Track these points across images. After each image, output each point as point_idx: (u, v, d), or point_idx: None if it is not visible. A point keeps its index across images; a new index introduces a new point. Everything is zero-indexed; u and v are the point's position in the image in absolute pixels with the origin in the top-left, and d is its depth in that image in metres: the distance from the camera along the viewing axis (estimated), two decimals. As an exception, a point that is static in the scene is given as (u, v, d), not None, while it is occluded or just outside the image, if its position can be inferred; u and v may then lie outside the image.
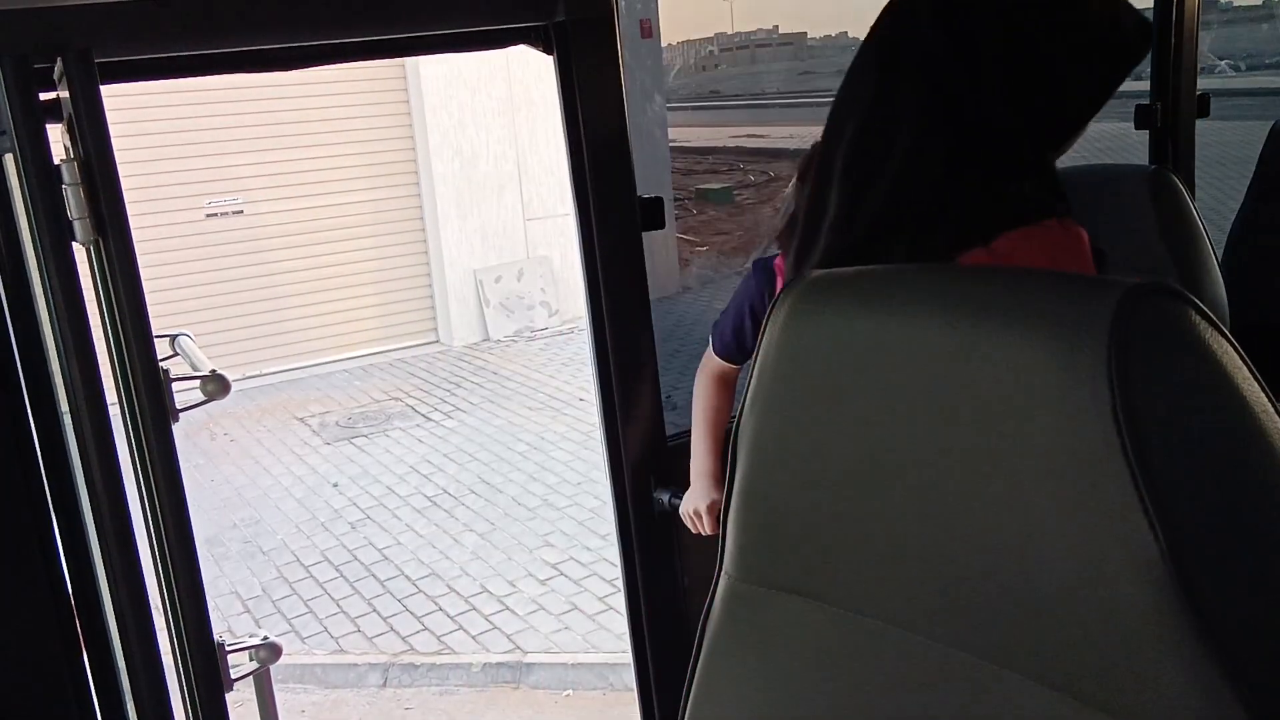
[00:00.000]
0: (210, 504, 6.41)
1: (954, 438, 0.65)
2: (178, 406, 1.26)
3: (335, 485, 6.60)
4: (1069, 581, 0.61)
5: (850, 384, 0.71)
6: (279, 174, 8.85)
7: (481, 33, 1.90)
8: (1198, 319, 0.59)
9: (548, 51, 1.88)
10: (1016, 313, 0.62)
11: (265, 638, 1.39)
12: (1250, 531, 0.59)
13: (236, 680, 1.34)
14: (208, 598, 1.31)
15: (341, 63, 1.88)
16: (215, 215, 8.82)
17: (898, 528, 0.70)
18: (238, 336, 8.80)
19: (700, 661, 0.87)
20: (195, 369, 1.38)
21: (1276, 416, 0.59)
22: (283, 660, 4.69)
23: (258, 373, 8.87)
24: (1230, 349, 0.59)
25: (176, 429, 1.29)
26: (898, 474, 0.69)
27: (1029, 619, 0.64)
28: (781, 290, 0.76)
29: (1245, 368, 0.59)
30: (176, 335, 1.54)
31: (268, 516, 6.21)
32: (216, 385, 1.33)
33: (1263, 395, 0.59)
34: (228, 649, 1.34)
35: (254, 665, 1.41)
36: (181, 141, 8.42)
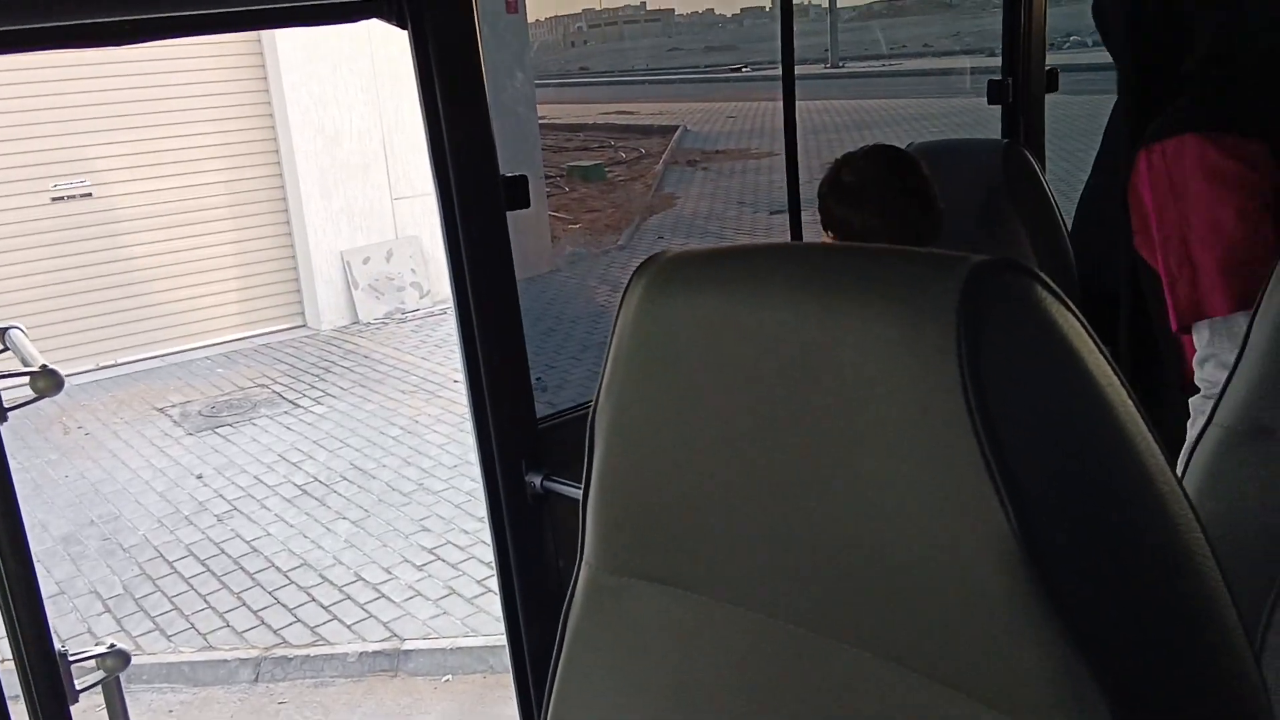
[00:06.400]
0: (65, 501, 6.12)
1: (808, 418, 0.65)
2: (6, 404, 1.18)
3: (199, 477, 6.37)
4: (926, 562, 0.61)
5: (705, 365, 0.70)
6: (130, 154, 8.45)
7: (331, 5, 1.83)
8: (1044, 293, 0.59)
9: (401, 25, 1.82)
10: (866, 290, 0.62)
11: (112, 645, 1.32)
12: (1098, 507, 0.59)
13: (83, 691, 1.26)
14: (66, 599, 1.23)
15: (184, 36, 1.79)
16: (62, 199, 8.37)
17: (756, 511, 0.69)
18: (90, 325, 8.40)
19: (563, 654, 0.85)
20: (26, 364, 1.29)
21: (1122, 389, 0.60)
22: (148, 659, 4.54)
23: (112, 363, 8.49)
24: (1076, 323, 0.60)
25: (26, 424, 1.21)
26: (754, 457, 0.68)
27: (889, 602, 0.64)
28: (635, 271, 0.74)
29: (1091, 341, 0.60)
30: (6, 329, 1.44)
31: (128, 512, 5.96)
32: (48, 381, 1.24)
33: (1109, 368, 0.60)
34: (71, 659, 1.27)
35: (101, 674, 1.33)
36: (22, 121, 7.96)
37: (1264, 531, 1.28)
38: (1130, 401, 0.60)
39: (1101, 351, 0.60)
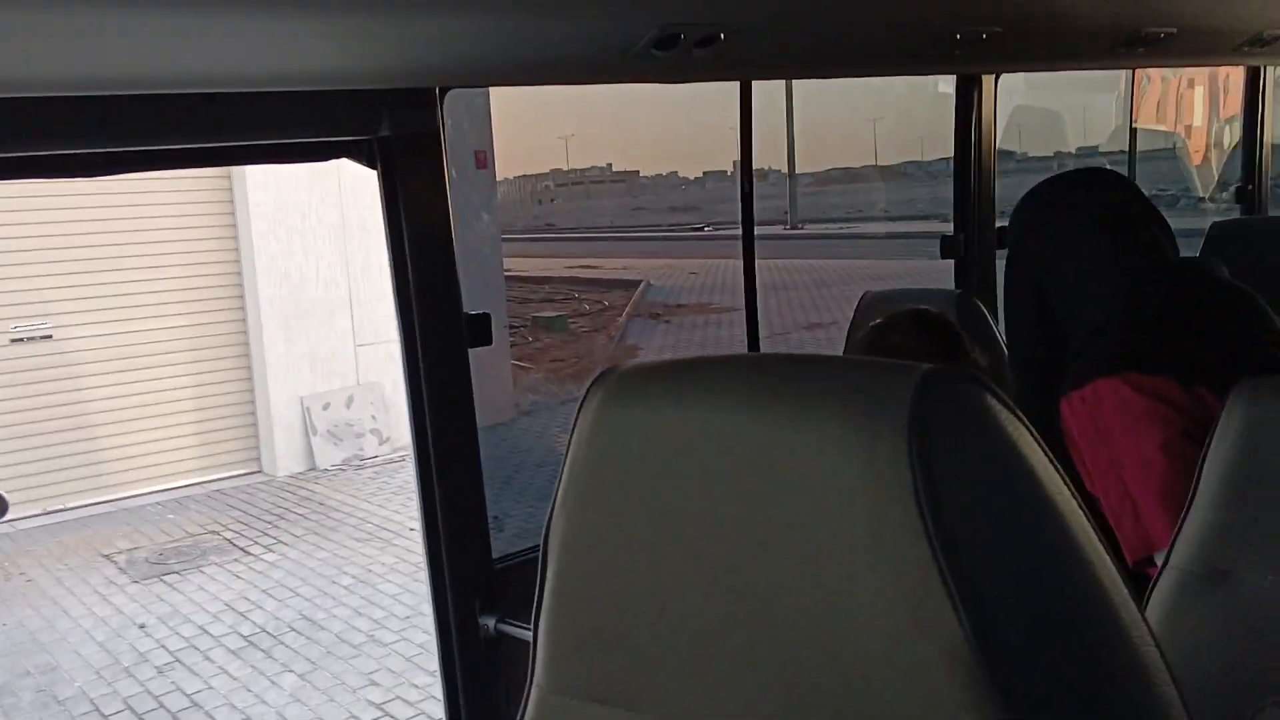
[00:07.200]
0: (1, 650, 5.88)
1: (762, 529, 0.64)
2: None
3: (142, 626, 6.15)
4: (883, 672, 0.60)
5: (659, 477, 0.69)
6: (93, 297, 8.44)
7: (304, 144, 1.87)
8: (993, 401, 0.60)
9: (371, 166, 1.86)
10: (818, 397, 0.62)
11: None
12: (1051, 608, 0.59)
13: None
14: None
15: (159, 169, 1.82)
16: (21, 340, 8.31)
17: (711, 627, 0.68)
18: (41, 469, 8.22)
19: (511, 784, 0.81)
20: (-33, 487, 1.26)
21: (1071, 498, 0.61)
22: (73, 821, 4.27)
23: (61, 507, 8.28)
24: (1025, 431, 0.60)
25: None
26: (709, 572, 0.67)
27: (847, 716, 0.62)
28: (591, 384, 0.75)
29: (1040, 449, 0.60)
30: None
31: (65, 662, 5.72)
32: (-11, 503, 1.21)
33: (1057, 475, 0.61)
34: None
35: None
36: (-16, 262, 7.97)
37: (1228, 672, 1.27)
38: (1080, 509, 0.60)
39: (1050, 459, 0.60)
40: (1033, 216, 1.90)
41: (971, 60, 2.54)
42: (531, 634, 0.81)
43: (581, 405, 0.75)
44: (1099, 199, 1.81)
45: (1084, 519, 0.60)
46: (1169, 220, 1.85)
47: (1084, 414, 1.64)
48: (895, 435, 0.58)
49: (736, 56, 1.92)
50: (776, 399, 0.64)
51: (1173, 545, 1.44)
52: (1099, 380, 1.62)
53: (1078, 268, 1.77)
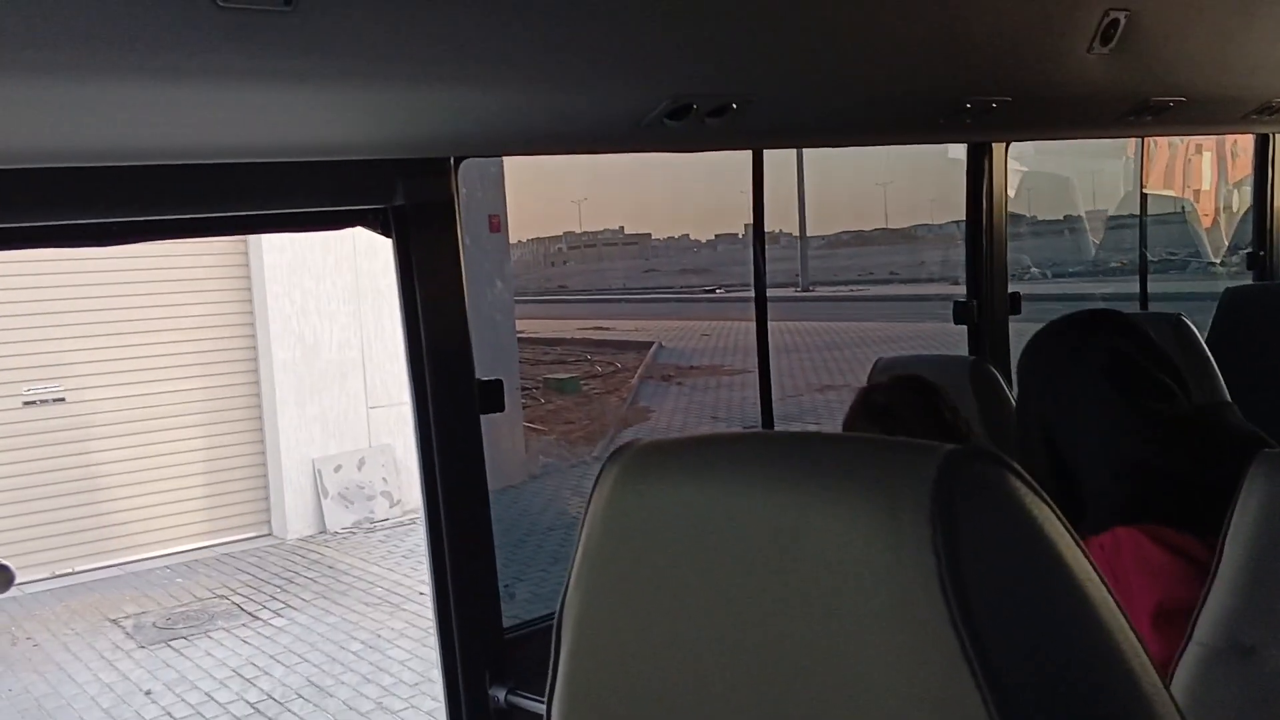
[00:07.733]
0: (6, 716, 5.82)
1: (781, 614, 0.63)
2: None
3: (148, 693, 6.09)
4: (905, 760, 0.58)
5: (676, 557, 0.68)
6: (107, 360, 8.49)
7: (320, 213, 1.88)
8: (1017, 482, 0.59)
9: (386, 234, 1.88)
10: (839, 478, 0.61)
11: None
12: (1079, 697, 0.57)
13: None
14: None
15: (178, 238, 1.85)
16: (34, 403, 8.34)
17: (728, 711, 0.66)
18: (49, 532, 8.21)
19: None
20: (-23, 557, 1.26)
21: (1097, 579, 0.59)
22: None
23: (69, 571, 8.25)
24: (1049, 511, 0.60)
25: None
26: (725, 655, 0.66)
27: None
28: (607, 459, 0.74)
29: (1066, 531, 0.59)
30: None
31: (69, 729, 5.66)
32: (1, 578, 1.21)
33: (1081, 555, 0.60)
34: None
35: None
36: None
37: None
38: (1108, 592, 0.59)
39: (1075, 540, 0.59)
40: (1038, 368, 1.87)
41: (982, 129, 2.56)
42: (545, 708, 0.80)
43: (597, 481, 0.74)
44: (1105, 346, 1.78)
45: (1111, 602, 0.59)
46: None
47: (1101, 560, 1.62)
48: (918, 518, 0.57)
49: (748, 126, 1.93)
50: (795, 479, 0.63)
51: (1196, 621, 1.41)
52: (1118, 529, 1.62)
53: (1088, 418, 1.75)
